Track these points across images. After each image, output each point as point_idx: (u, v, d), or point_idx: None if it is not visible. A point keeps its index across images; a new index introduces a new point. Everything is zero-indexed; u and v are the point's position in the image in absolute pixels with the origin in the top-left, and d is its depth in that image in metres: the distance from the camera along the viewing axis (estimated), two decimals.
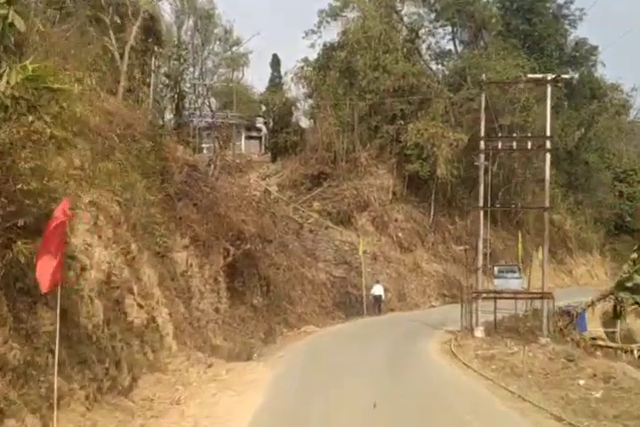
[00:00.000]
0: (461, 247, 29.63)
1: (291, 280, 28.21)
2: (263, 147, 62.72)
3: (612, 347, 22.90)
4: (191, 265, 20.78)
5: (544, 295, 22.75)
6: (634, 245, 64.71)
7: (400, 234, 40.51)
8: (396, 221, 41.13)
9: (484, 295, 23.89)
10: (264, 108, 60.30)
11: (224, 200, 23.82)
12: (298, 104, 53.36)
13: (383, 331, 24.61)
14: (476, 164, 26.22)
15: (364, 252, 32.42)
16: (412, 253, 39.35)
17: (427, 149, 41.84)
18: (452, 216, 45.21)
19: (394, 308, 33.31)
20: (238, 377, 14.81)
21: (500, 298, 24.46)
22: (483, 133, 25.32)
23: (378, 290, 31.92)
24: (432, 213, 43.14)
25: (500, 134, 46.45)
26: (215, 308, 21.73)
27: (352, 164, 42.68)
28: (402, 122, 43.90)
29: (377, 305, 31.88)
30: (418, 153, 42.17)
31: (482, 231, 24.04)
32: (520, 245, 31.29)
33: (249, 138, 63.86)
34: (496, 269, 25.42)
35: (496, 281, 24.58)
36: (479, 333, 22.16)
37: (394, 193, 42.09)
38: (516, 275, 24.87)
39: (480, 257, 24.34)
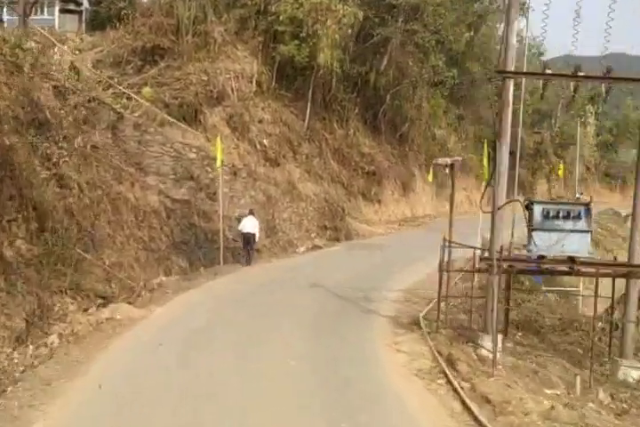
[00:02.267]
0: (447, 160, 17.58)
1: (94, 207, 15.59)
2: (84, 24, 47.69)
3: None
4: None
5: (633, 271, 11.36)
6: (510, 169, 57.76)
7: (266, 141, 28.49)
8: (260, 122, 28.92)
9: (511, 264, 11.19)
10: None
11: None
12: None
13: (272, 328, 12.67)
14: None
15: (222, 163, 20.17)
16: (281, 169, 27.67)
17: (306, 27, 29.54)
18: (331, 122, 33.82)
19: (261, 249, 21.72)
20: None
21: (547, 274, 13.28)
22: None
23: (250, 225, 20.16)
24: (307, 115, 31.45)
25: None
26: None
27: (202, 39, 29.33)
28: None
29: (247, 249, 20.34)
30: (293, 31, 29.78)
31: (507, 127, 12.34)
32: (486, 163, 20.91)
33: (65, 11, 48.29)
34: (538, 209, 12.07)
35: (537, 237, 11.38)
36: (489, 343, 10.32)
37: (259, 84, 29.63)
38: (581, 224, 11.68)
39: (502, 182, 12.48)
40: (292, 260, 21.53)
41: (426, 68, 37.32)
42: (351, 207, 31.55)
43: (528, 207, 11.62)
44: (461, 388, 8.93)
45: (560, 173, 39.69)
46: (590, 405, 8.70)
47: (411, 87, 37.92)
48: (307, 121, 31.26)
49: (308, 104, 31.39)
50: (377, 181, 34.73)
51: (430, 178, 38.91)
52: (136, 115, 23.18)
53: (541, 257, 10.79)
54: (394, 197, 36.72)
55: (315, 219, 26.13)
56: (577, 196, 50.72)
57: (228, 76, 28.63)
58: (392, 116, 38.29)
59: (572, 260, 10.77)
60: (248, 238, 19.98)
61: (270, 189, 24.45)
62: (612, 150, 72.21)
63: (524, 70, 14.24)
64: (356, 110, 35.62)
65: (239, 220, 20.65)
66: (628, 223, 39.91)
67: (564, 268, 11.35)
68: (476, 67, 50.96)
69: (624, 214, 46.66)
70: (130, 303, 13.50)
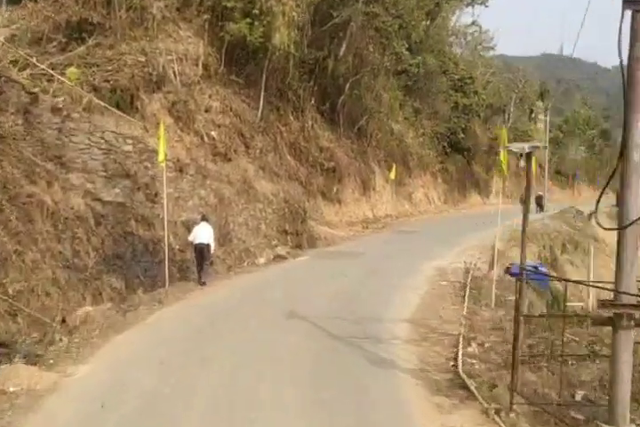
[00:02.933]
0: (524, 146, 12.62)
1: None
2: (4, 6, 42.35)
3: None
4: None
5: None
6: (465, 165, 55.04)
7: (214, 133, 24.54)
8: (207, 111, 24.92)
9: None
10: None
11: None
12: None
13: (252, 406, 8.23)
14: None
15: (166, 157, 16.13)
16: (233, 165, 23.76)
17: (259, 2, 25.83)
18: (286, 113, 30.05)
19: (214, 260, 17.76)
20: None
21: None
22: None
23: (204, 234, 16.14)
24: (261, 104, 27.59)
25: None
26: None
27: (138, 15, 25.10)
28: None
29: (200, 263, 16.21)
30: (244, 7, 25.93)
31: None
32: (503, 157, 17.66)
33: None
34: None
35: None
36: None
37: (205, 68, 25.61)
38: None
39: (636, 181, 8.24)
40: (254, 275, 17.59)
41: (388, 55, 34.03)
42: (311, 208, 27.89)
43: None
44: None
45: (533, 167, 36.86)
46: None
47: (372, 76, 34.47)
48: (260, 111, 27.41)
49: (261, 92, 27.55)
50: (337, 179, 31.18)
51: (393, 175, 35.67)
52: (60, 99, 18.91)
53: None
54: (354, 196, 33.26)
55: (274, 222, 22.33)
56: (539, 193, 48.44)
57: (169, 57, 24.46)
58: (351, 107, 34.79)
59: None
60: (201, 250, 15.98)
61: (223, 189, 20.53)
62: (563, 147, 70.85)
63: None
64: (313, 100, 31.96)
65: (188, 227, 16.69)
66: (593, 221, 37.65)
67: None
68: (431, 59, 48.15)
69: (587, 213, 44.58)
70: (36, 361, 9.37)
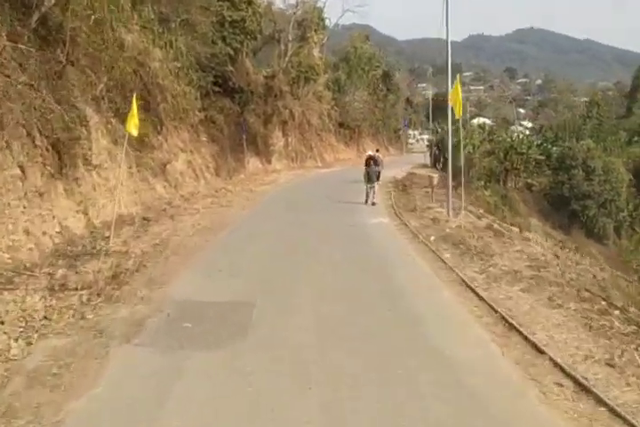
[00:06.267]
0: None
1: None
2: None
3: None
4: None
5: None
6: (237, 115, 34.88)
7: None
8: None
9: None
10: None
11: None
12: None
13: None
14: None
15: None
16: None
17: None
18: None
19: None
20: None
21: None
22: None
23: None
24: None
25: None
26: None
27: None
28: None
29: None
30: None
31: None
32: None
33: None
34: None
35: None
36: None
37: None
38: None
39: None
40: None
41: None
42: None
43: None
44: None
45: (458, 110, 18.61)
46: None
47: None
48: None
49: None
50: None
51: (134, 127, 15.52)
52: None
53: None
54: (35, 180, 12.50)
55: None
56: (369, 153, 31.22)
57: None
58: None
59: None
60: None
61: None
62: (344, 92, 54.77)
63: None
64: None
65: None
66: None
67: None
68: None
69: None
70: None
